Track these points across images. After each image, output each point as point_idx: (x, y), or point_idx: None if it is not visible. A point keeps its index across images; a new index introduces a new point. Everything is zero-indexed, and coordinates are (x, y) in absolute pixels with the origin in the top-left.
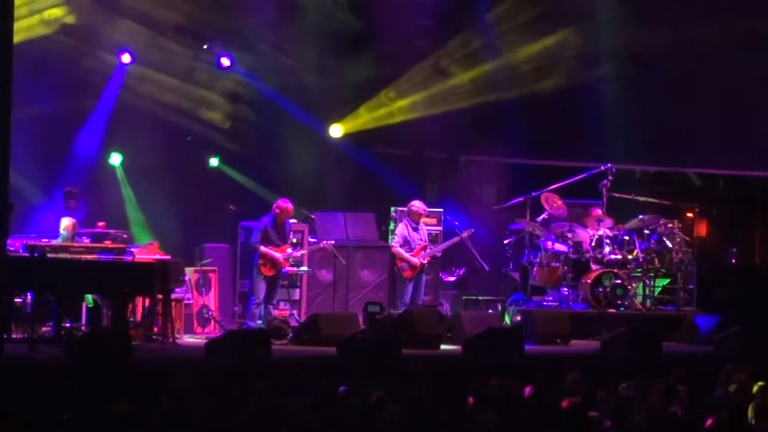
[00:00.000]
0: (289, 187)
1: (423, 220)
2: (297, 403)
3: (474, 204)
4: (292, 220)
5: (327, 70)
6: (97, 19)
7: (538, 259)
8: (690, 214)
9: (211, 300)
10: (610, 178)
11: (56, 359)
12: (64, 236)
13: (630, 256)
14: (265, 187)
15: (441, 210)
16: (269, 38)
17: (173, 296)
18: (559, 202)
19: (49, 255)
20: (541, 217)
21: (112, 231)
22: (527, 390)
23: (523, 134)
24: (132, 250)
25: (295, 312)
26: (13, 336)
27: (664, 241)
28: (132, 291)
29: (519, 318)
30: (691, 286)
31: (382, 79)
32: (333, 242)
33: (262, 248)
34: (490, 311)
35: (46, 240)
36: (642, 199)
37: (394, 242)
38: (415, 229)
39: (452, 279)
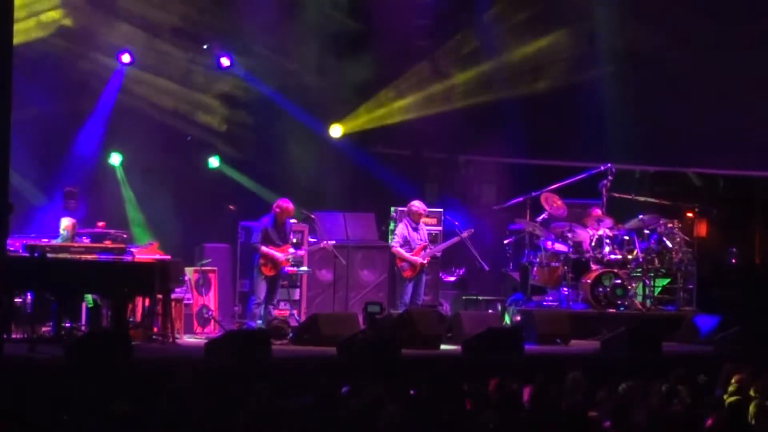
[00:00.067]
0: (289, 187)
1: (423, 220)
2: (297, 403)
3: (474, 204)
4: (292, 220)
5: (327, 70)
6: (93, 21)
7: (538, 259)
8: (690, 214)
9: (211, 300)
10: (609, 178)
11: (56, 359)
12: (64, 236)
13: (630, 256)
14: (265, 187)
15: (441, 210)
16: (268, 39)
17: (173, 296)
18: (559, 202)
19: (49, 255)
20: (541, 217)
21: (112, 231)
22: (527, 391)
23: (522, 134)
24: (132, 250)
25: (295, 312)
26: (13, 336)
27: (664, 241)
28: (132, 291)
29: (519, 318)
30: (691, 286)
31: (382, 79)
32: (333, 242)
33: (263, 248)
34: (490, 311)
35: (46, 240)
36: (642, 199)
37: (394, 242)
38: (415, 229)
39: (452, 279)
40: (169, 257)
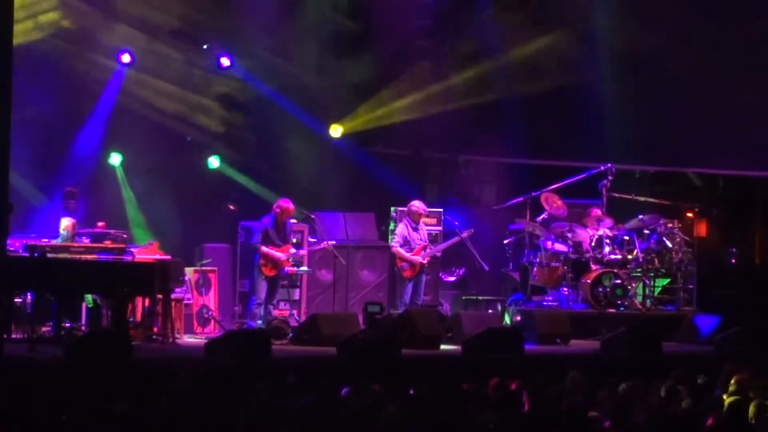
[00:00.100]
0: (289, 187)
1: (423, 220)
2: (297, 403)
3: (474, 204)
4: (292, 221)
5: (326, 71)
6: (92, 23)
7: (538, 259)
8: (690, 214)
9: (211, 300)
10: (609, 178)
11: (56, 359)
12: (64, 236)
13: (630, 256)
14: (265, 187)
15: (441, 210)
16: (268, 39)
17: (173, 296)
18: (559, 202)
19: (49, 255)
20: (541, 217)
21: (112, 231)
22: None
23: (522, 134)
24: (132, 250)
25: (295, 312)
26: (13, 336)
27: (664, 241)
28: (132, 291)
29: (519, 318)
30: (691, 286)
31: (382, 79)
32: (333, 242)
33: (264, 248)
34: (490, 311)
35: (46, 240)
36: (642, 199)
37: (394, 242)
38: (415, 229)
39: (452, 279)
40: (169, 257)
